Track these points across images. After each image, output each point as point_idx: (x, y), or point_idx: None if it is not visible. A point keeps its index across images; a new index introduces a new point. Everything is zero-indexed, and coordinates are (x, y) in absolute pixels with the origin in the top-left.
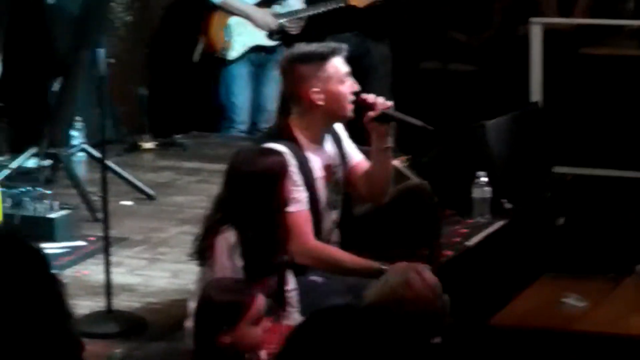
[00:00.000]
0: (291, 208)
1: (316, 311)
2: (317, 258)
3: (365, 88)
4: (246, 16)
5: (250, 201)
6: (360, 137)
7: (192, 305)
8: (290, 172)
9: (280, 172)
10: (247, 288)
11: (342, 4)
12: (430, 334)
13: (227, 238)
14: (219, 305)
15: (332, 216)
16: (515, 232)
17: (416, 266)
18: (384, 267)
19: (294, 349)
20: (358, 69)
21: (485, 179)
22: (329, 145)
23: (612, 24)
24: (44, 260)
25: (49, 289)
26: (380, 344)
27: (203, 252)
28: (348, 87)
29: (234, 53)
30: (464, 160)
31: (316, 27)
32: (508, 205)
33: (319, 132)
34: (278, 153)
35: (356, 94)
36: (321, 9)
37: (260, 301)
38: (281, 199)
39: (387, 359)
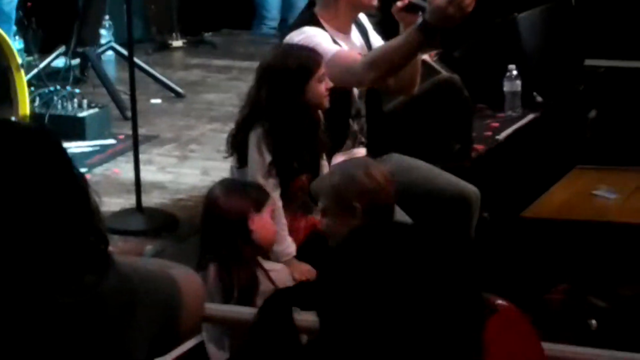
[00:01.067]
0: (332, 53)
1: (355, 230)
2: (376, 65)
3: None
4: None
5: (281, 96)
6: (388, 31)
7: None
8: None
9: (312, 67)
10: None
11: None
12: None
13: (259, 133)
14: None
15: (360, 107)
16: (547, 125)
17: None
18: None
19: (337, 268)
20: None
21: (517, 72)
22: (355, 36)
23: None
24: (64, 154)
25: (70, 183)
26: (422, 258)
27: (236, 147)
28: None
29: None
30: (496, 54)
31: None
32: (539, 99)
33: (345, 21)
34: (310, 49)
35: None
36: None
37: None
38: (312, 95)
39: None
